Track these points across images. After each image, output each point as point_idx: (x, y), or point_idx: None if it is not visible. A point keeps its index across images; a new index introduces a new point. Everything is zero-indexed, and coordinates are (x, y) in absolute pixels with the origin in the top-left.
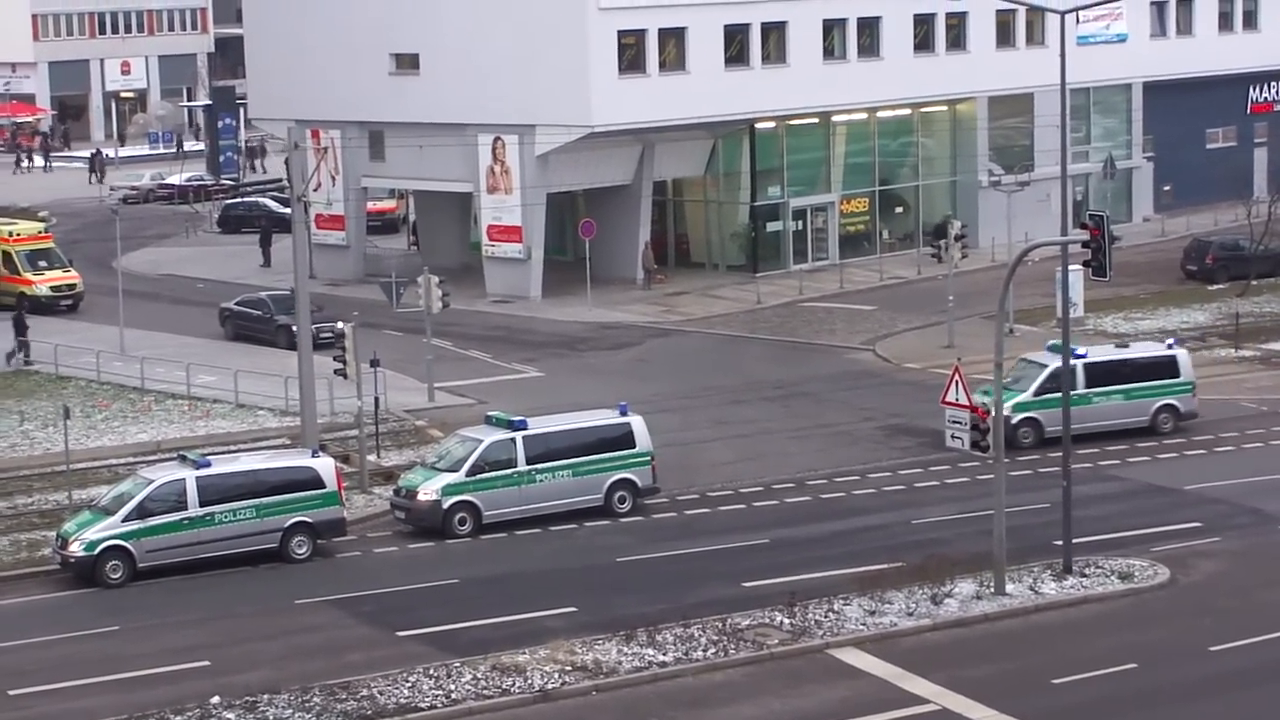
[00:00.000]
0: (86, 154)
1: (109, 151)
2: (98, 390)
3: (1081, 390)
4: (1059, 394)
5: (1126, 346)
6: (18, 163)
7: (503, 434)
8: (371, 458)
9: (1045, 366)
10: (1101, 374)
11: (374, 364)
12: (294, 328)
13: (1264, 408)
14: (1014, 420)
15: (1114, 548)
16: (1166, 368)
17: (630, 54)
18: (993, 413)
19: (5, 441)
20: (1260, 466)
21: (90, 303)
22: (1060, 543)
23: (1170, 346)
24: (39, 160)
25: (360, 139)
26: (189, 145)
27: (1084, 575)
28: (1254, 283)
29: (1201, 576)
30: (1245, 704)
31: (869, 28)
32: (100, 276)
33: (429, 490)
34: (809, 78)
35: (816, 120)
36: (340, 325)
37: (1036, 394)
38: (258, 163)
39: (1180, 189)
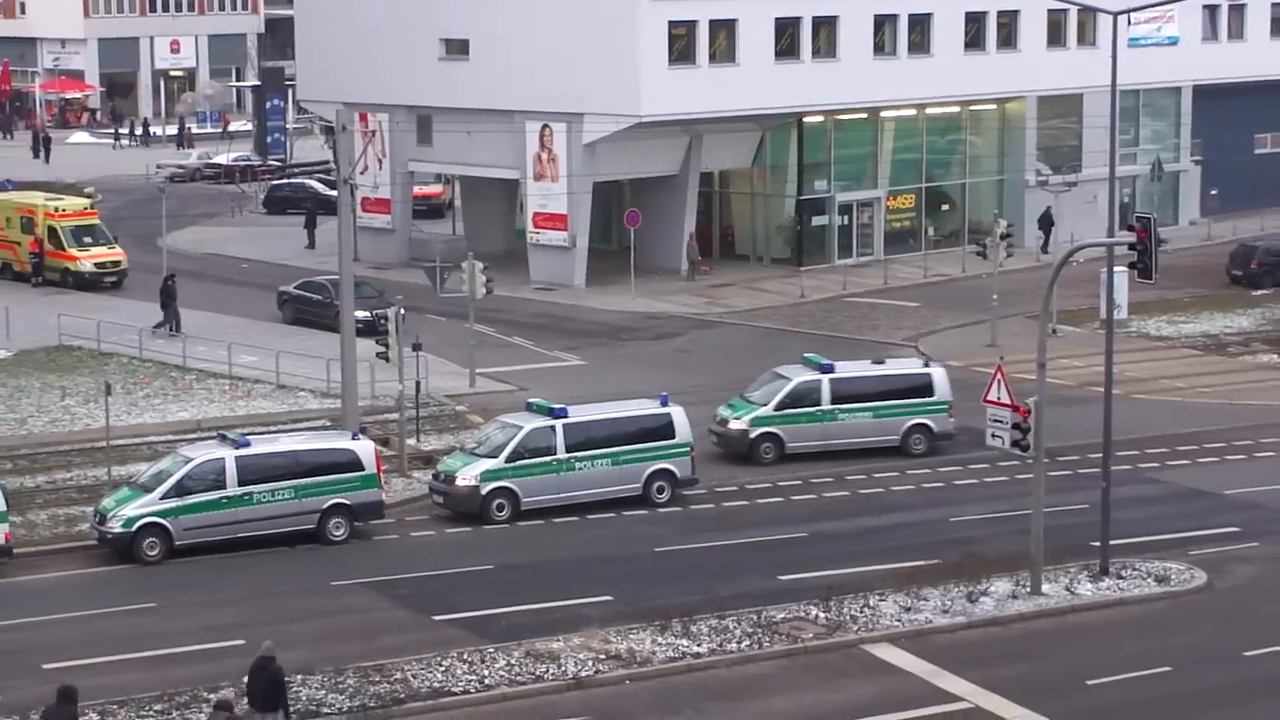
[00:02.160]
0: (122, 130)
1: (156, 130)
2: (139, 368)
3: (827, 406)
4: (801, 410)
5: (882, 363)
6: (116, 137)
7: (543, 421)
8: (411, 441)
9: (789, 380)
10: (849, 390)
11: (416, 348)
12: (355, 313)
13: None
14: (753, 435)
15: (1151, 550)
16: (921, 387)
17: (680, 45)
18: (1032, 413)
19: (47, 416)
20: None
21: (134, 280)
22: (1098, 544)
23: (927, 365)
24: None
25: (408, 123)
26: (236, 125)
27: (1120, 577)
28: None
29: (1238, 581)
30: (1278, 711)
31: (920, 24)
32: (145, 254)
33: (468, 475)
34: (859, 72)
35: (865, 115)
36: (401, 311)
37: (777, 408)
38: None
39: (1227, 193)
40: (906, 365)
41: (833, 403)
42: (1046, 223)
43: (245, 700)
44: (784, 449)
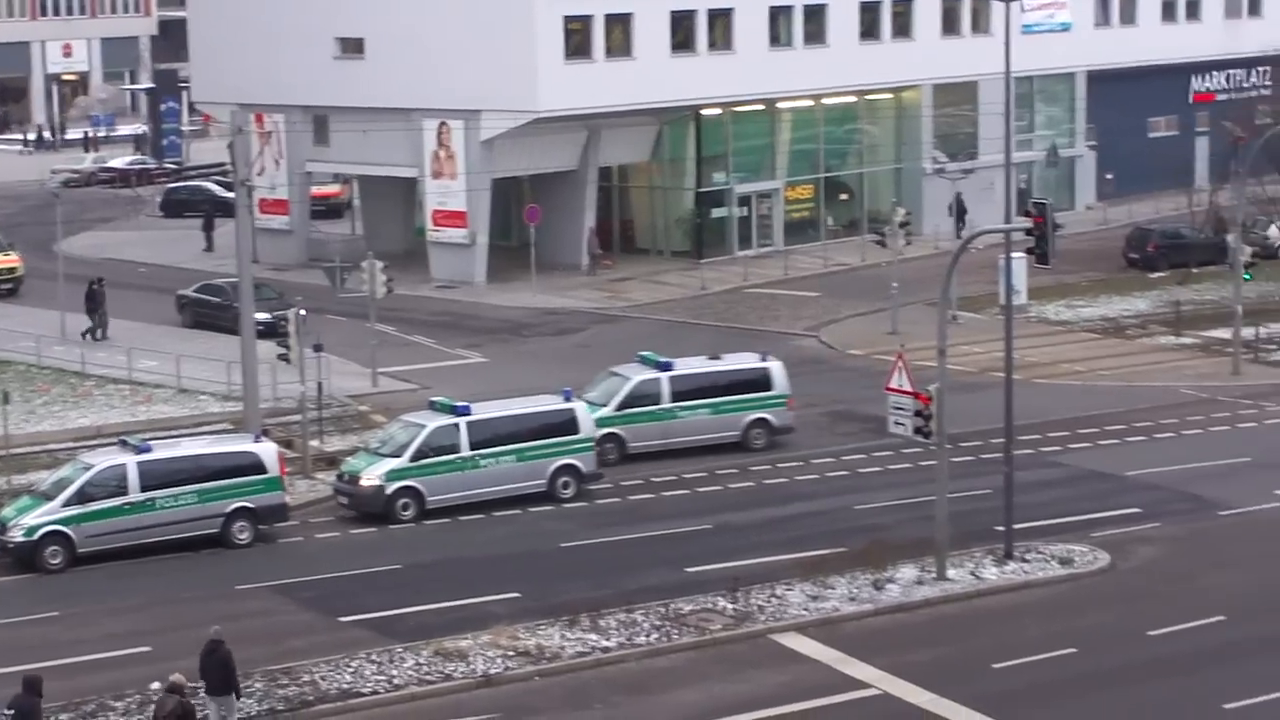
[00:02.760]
0: (28, 136)
1: (48, 135)
2: (37, 375)
3: (667, 404)
4: (642, 409)
5: (719, 358)
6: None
7: (446, 419)
8: (314, 443)
9: (628, 379)
10: (688, 387)
11: (317, 349)
12: (256, 315)
13: (1203, 394)
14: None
15: (1055, 533)
16: (759, 381)
17: (576, 39)
18: (934, 399)
19: None
20: (1199, 453)
21: (30, 287)
22: (1002, 528)
23: (764, 359)
24: None
25: (304, 123)
26: (129, 129)
27: (1025, 560)
28: (1195, 271)
29: (1141, 562)
30: (1183, 688)
31: (816, 15)
32: (41, 260)
33: (372, 475)
34: (755, 64)
35: (762, 107)
36: (302, 312)
37: (619, 408)
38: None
39: (1122, 178)
40: (744, 360)
41: (672, 400)
42: (959, 209)
43: (202, 687)
44: (625, 449)
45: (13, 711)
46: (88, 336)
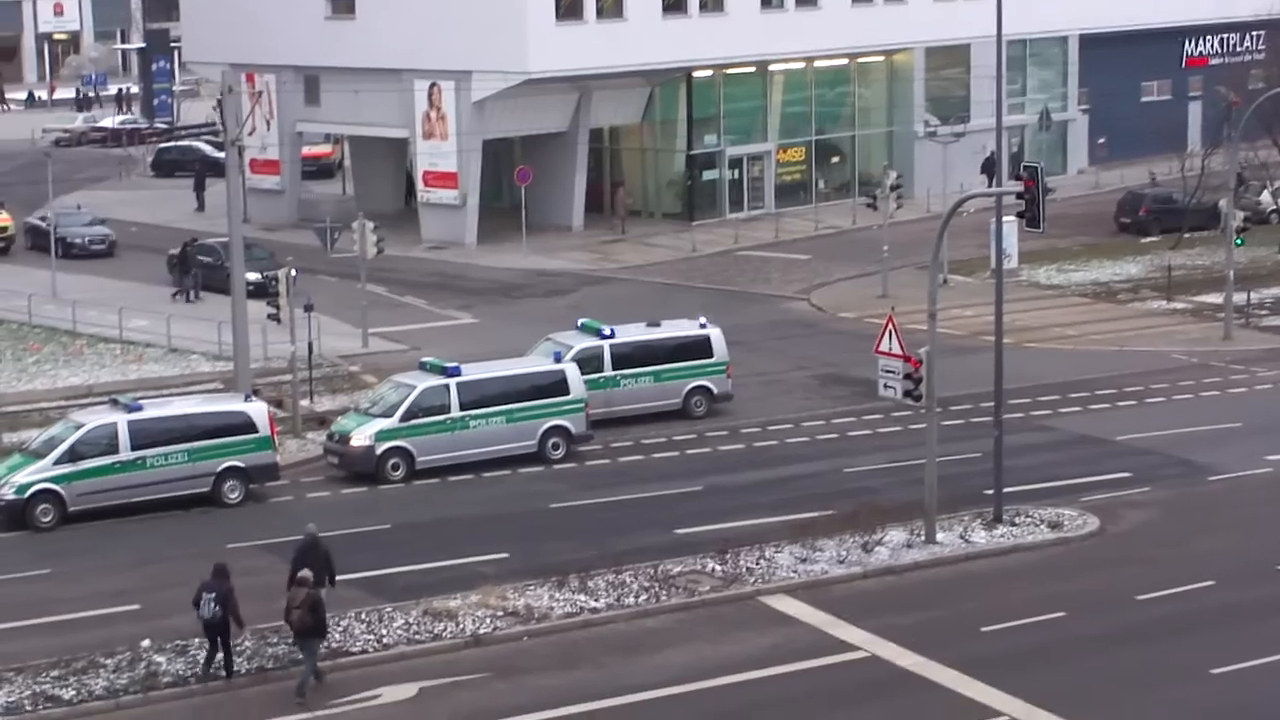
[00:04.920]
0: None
1: (41, 94)
2: (29, 333)
3: (609, 373)
4: (585, 376)
5: (657, 326)
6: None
7: (437, 380)
8: (305, 403)
9: (569, 348)
10: (629, 355)
11: (308, 309)
12: (246, 275)
13: (1194, 360)
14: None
15: (1044, 497)
16: (699, 348)
17: (568, 0)
18: (924, 363)
19: None
20: (1190, 418)
21: (22, 245)
22: (991, 492)
23: (703, 325)
24: None
25: (295, 84)
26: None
27: (1014, 524)
28: (1186, 236)
29: (1130, 526)
30: (1171, 652)
31: None
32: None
33: (362, 436)
34: (747, 27)
35: (754, 69)
36: (293, 273)
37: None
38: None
39: (1115, 142)
40: (683, 327)
41: (614, 368)
42: (990, 168)
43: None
44: None
45: (214, 594)
46: (179, 298)
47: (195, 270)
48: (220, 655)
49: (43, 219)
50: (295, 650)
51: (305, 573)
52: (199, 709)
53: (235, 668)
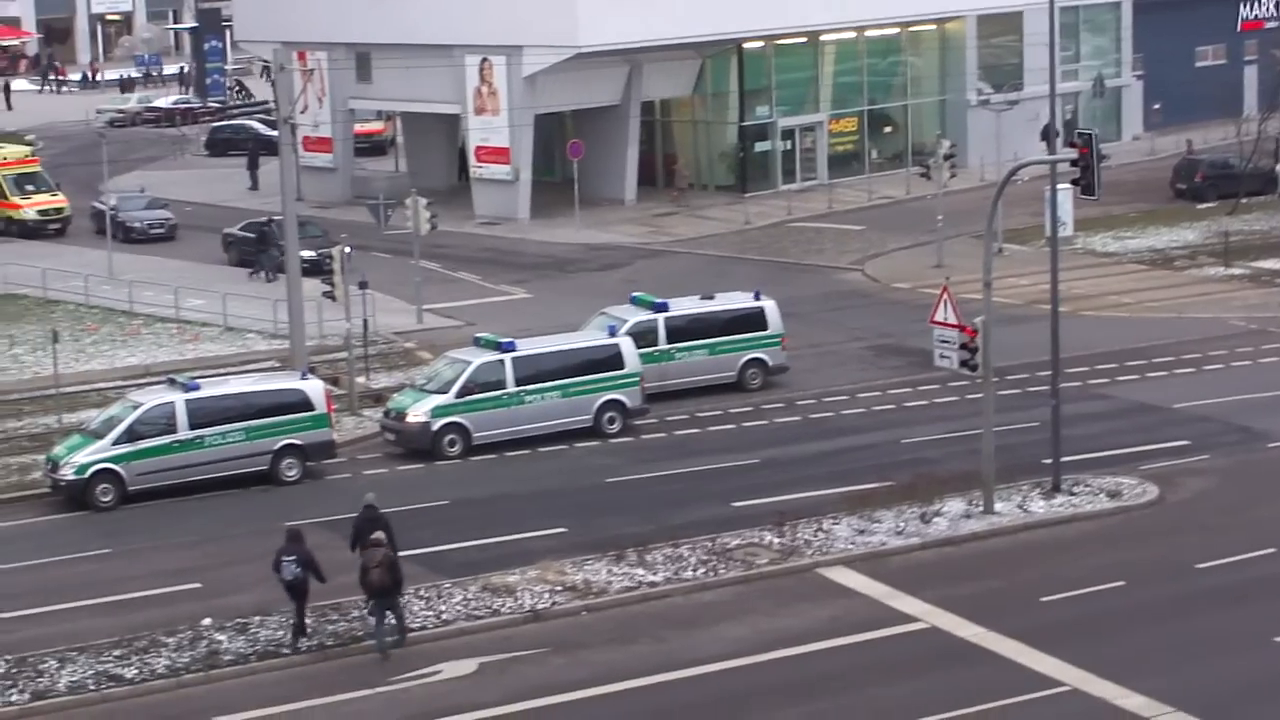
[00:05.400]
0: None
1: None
2: (86, 314)
3: (663, 346)
4: (640, 350)
5: (711, 298)
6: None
7: (492, 355)
8: (360, 380)
9: (624, 322)
10: (684, 328)
11: (362, 286)
12: (301, 253)
13: (1252, 326)
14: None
15: (1103, 466)
16: (754, 320)
17: None
18: (980, 332)
19: None
20: (1249, 384)
21: (78, 226)
22: (1049, 461)
23: (757, 297)
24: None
25: (347, 61)
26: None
27: (1072, 494)
28: (1243, 201)
29: (1189, 494)
30: (1231, 621)
31: None
32: (88, 200)
33: (418, 412)
34: None
35: (805, 40)
36: (348, 250)
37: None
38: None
39: (1170, 107)
40: (738, 299)
41: (669, 342)
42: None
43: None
44: None
45: (294, 558)
46: (256, 276)
47: (274, 250)
48: (296, 619)
49: (105, 203)
50: (354, 628)
51: (379, 534)
52: (260, 686)
53: (307, 632)
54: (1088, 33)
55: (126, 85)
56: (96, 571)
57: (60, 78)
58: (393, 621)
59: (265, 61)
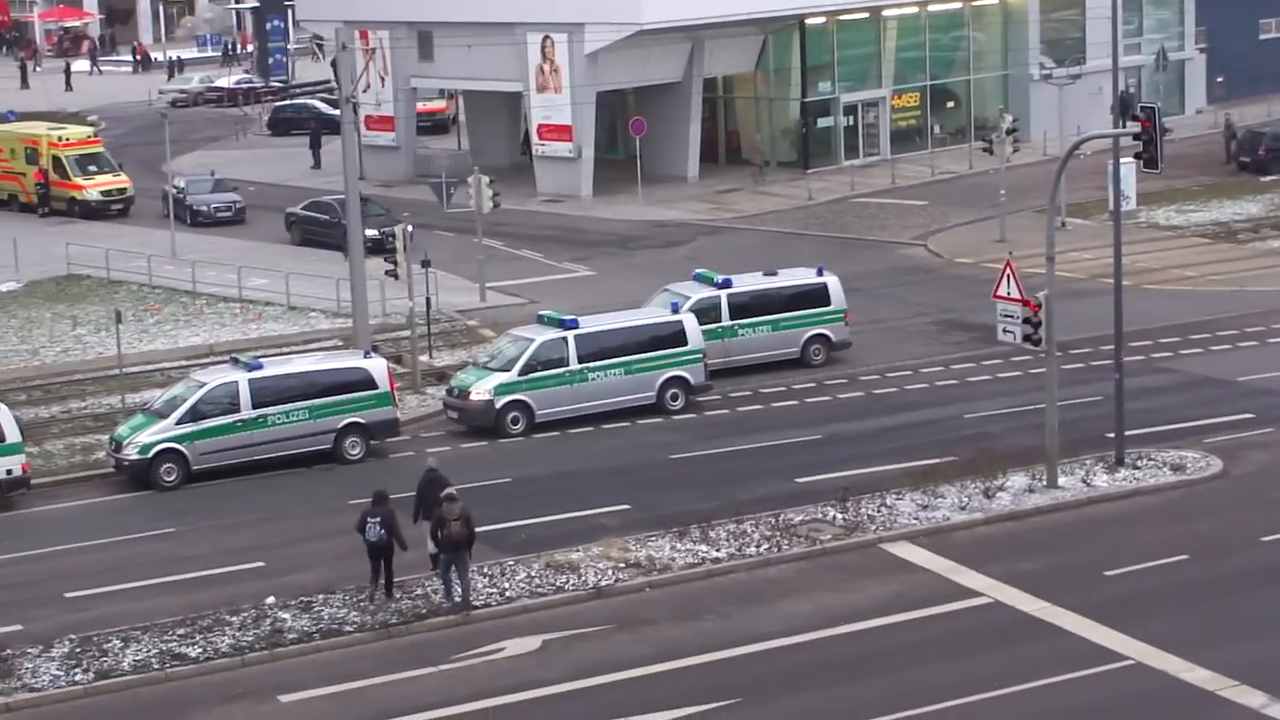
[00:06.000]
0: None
1: (157, 55)
2: (149, 294)
3: (726, 323)
4: (702, 327)
5: (774, 274)
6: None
7: (554, 333)
8: (424, 358)
9: (686, 299)
10: (747, 305)
11: (425, 264)
12: (364, 232)
13: None
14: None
15: (1166, 440)
16: (816, 296)
17: None
18: (1043, 306)
19: (59, 346)
20: None
21: (140, 207)
22: (1112, 435)
23: (820, 273)
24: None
25: (409, 39)
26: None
27: (1136, 467)
28: None
29: (1254, 468)
30: None
31: None
32: (150, 180)
33: (481, 390)
34: None
35: (867, 15)
36: (410, 228)
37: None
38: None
39: (1233, 80)
40: (800, 275)
41: (731, 318)
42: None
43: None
44: None
45: (379, 519)
46: None
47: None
48: (383, 579)
49: (174, 185)
50: (418, 606)
51: (452, 490)
52: (324, 665)
53: (393, 593)
54: (1150, 6)
55: (175, 68)
56: (160, 551)
57: (134, 57)
58: (458, 588)
59: (319, 40)
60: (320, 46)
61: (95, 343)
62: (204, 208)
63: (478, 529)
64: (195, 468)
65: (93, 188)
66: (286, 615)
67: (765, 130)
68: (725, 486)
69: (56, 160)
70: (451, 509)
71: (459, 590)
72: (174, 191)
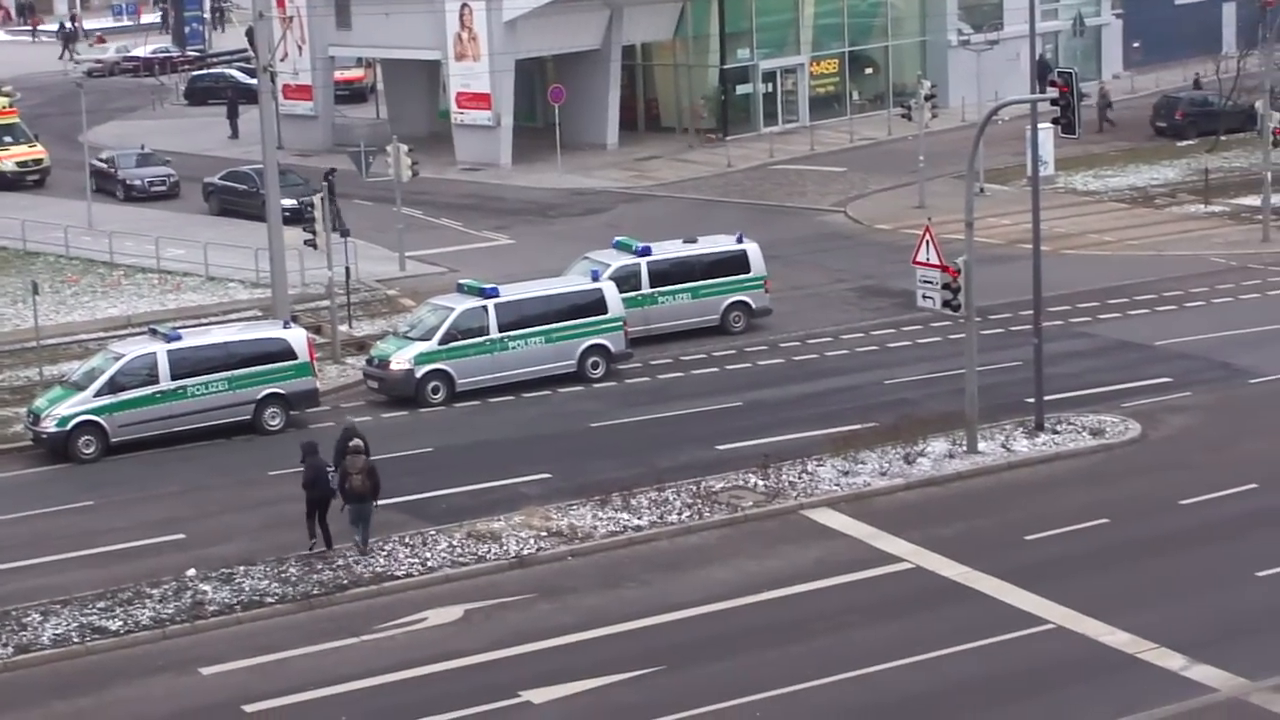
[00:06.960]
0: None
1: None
2: (66, 266)
3: (646, 290)
4: (623, 294)
5: (694, 242)
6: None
7: (475, 302)
8: (343, 328)
9: (607, 266)
10: (666, 272)
11: (344, 234)
12: (282, 201)
13: (1233, 263)
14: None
15: (1085, 404)
16: (736, 263)
17: None
18: (962, 272)
19: None
20: (1230, 321)
21: (57, 178)
22: (1032, 400)
23: (740, 240)
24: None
25: (326, 7)
26: (150, 18)
27: (1056, 432)
28: (1223, 138)
29: (1172, 431)
30: (1214, 556)
31: None
32: (67, 151)
33: (402, 359)
34: None
35: None
36: (331, 176)
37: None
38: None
39: (1150, 45)
40: (720, 242)
41: (651, 286)
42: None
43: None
44: None
45: (331, 468)
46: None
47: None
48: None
49: (105, 160)
50: (340, 577)
51: (358, 441)
52: (246, 636)
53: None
54: None
55: (70, 38)
56: (80, 524)
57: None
58: (366, 529)
59: (224, 5)
60: (222, 13)
61: (12, 315)
62: (138, 181)
63: (402, 498)
64: (114, 440)
65: (8, 159)
66: (207, 587)
67: (672, 98)
68: (646, 454)
69: None
70: (354, 462)
71: (359, 538)
72: (102, 164)
